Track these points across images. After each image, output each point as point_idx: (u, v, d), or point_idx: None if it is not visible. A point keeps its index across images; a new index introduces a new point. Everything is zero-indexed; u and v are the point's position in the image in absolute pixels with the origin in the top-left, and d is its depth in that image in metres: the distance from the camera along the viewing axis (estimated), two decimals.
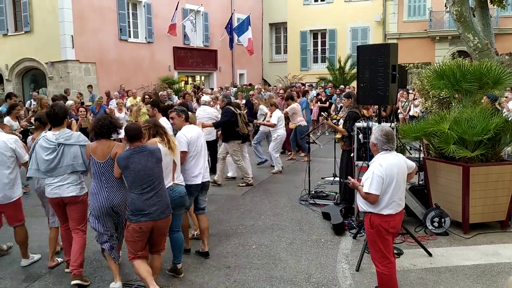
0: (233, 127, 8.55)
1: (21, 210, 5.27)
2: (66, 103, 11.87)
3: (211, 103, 10.96)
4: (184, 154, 5.13)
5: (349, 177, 4.57)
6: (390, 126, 4.78)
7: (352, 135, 6.78)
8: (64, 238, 5.08)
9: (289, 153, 11.97)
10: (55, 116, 4.69)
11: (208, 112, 9.55)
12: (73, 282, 4.60)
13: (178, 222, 4.90)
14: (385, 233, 4.02)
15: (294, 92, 13.07)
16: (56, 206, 4.81)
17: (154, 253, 4.50)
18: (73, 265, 4.63)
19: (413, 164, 4.31)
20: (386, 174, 3.93)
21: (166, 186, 4.53)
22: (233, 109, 8.57)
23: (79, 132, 4.88)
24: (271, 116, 10.22)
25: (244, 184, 8.98)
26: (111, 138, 4.63)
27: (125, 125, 4.51)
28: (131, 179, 4.20)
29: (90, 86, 17.62)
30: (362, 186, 4.06)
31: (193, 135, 5.30)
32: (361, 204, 4.18)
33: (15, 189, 5.10)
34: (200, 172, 5.35)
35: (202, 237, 5.52)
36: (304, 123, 11.25)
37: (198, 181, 5.32)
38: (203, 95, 16.96)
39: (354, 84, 19.64)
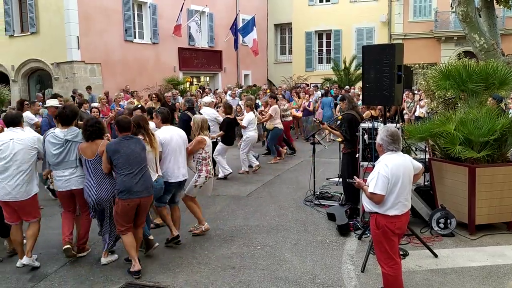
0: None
1: (37, 207, 5.34)
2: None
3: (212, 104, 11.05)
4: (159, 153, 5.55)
5: (354, 176, 4.56)
6: (395, 127, 4.77)
7: (349, 139, 6.79)
8: (64, 219, 5.44)
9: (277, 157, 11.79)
10: (66, 116, 5.24)
11: (207, 114, 9.66)
12: (80, 254, 5.47)
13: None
14: (391, 234, 4.01)
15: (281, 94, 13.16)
16: (65, 197, 5.33)
17: (137, 227, 5.13)
18: (80, 242, 5.51)
19: (419, 165, 4.29)
20: (392, 174, 3.92)
21: (153, 179, 5.20)
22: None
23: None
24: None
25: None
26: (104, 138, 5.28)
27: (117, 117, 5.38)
28: (121, 161, 4.85)
29: (89, 88, 17.47)
30: (368, 186, 4.05)
31: (166, 136, 5.68)
32: (366, 204, 4.16)
33: (32, 185, 5.15)
34: (177, 171, 5.74)
35: (175, 225, 5.85)
36: (280, 126, 11.35)
37: (175, 179, 5.74)
38: (206, 96, 17.02)
39: (359, 84, 19.59)
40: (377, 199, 3.95)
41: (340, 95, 9.39)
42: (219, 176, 9.66)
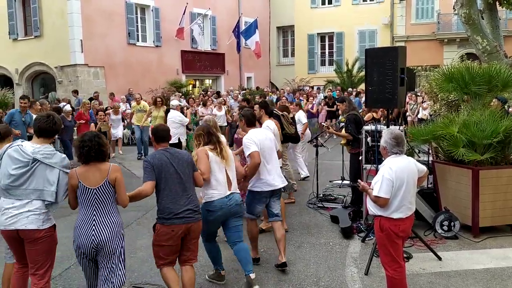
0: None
1: None
2: (64, 108, 11.97)
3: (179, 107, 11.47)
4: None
5: (359, 180, 4.56)
6: (399, 129, 4.77)
7: (357, 138, 6.79)
8: (14, 282, 3.92)
9: None
10: (47, 128, 3.78)
11: (173, 116, 10.38)
12: None
13: (239, 233, 4.71)
14: (395, 237, 3.99)
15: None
16: (11, 240, 3.77)
17: (186, 263, 4.20)
18: None
19: (424, 168, 4.27)
20: (396, 177, 3.91)
21: (225, 195, 4.47)
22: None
23: (64, 155, 3.87)
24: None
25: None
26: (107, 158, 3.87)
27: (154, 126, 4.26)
28: (163, 180, 4.02)
29: (75, 92, 17.30)
30: (372, 189, 4.05)
31: (261, 138, 5.10)
32: (370, 207, 4.16)
33: None
34: (268, 178, 5.10)
35: (278, 246, 5.13)
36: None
37: (267, 188, 5.11)
38: (209, 98, 17.06)
39: (362, 86, 19.60)
40: (381, 202, 3.93)
41: (338, 97, 9.48)
42: (302, 176, 9.55)
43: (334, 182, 9.23)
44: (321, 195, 8.06)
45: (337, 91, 17.83)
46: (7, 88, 16.86)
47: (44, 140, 3.77)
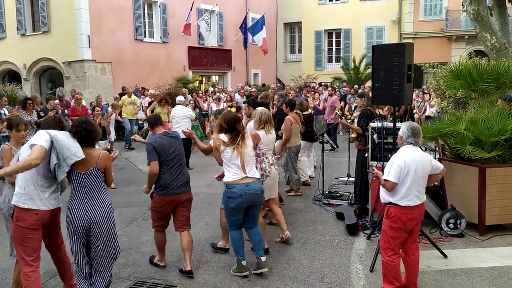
0: None
1: None
2: (49, 102, 12.09)
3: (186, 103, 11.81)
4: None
5: (373, 167, 4.66)
6: None
7: (367, 134, 6.77)
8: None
9: None
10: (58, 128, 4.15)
11: (181, 111, 10.52)
12: None
13: (254, 221, 4.96)
14: (400, 224, 4.17)
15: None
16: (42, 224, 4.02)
17: (182, 229, 4.97)
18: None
19: (440, 166, 4.42)
20: (405, 164, 4.12)
21: (244, 182, 4.67)
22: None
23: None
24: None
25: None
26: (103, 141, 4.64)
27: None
28: (163, 159, 4.71)
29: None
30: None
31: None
32: (382, 195, 4.35)
33: None
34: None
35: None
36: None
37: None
38: (215, 94, 17.09)
39: (369, 83, 19.53)
40: (389, 186, 4.16)
41: (358, 92, 9.50)
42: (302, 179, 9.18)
43: (340, 179, 9.22)
44: (327, 192, 8.05)
45: (344, 88, 17.74)
46: (15, 84, 17.03)
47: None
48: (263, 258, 4.89)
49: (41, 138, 3.74)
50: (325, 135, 8.63)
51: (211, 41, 24.03)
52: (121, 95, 15.52)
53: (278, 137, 7.32)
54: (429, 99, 14.57)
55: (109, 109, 12.97)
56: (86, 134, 3.92)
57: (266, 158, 5.70)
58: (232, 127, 4.72)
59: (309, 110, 9.51)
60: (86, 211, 3.93)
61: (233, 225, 4.87)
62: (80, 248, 4.05)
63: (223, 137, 4.75)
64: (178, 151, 4.86)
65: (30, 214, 3.81)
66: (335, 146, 12.96)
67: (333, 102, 14.58)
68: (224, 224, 5.36)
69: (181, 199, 4.90)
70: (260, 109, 5.82)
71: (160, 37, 21.35)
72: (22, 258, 3.89)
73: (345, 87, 18.07)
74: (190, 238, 4.98)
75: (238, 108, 10.79)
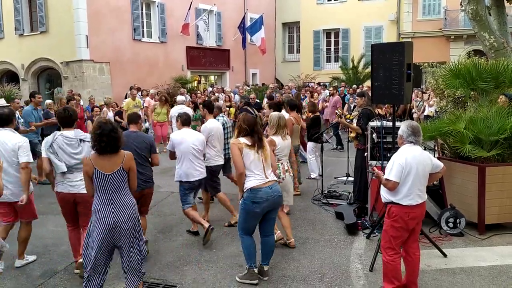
0: None
1: (32, 206, 5.20)
2: (46, 102, 11.94)
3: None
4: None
5: (374, 167, 4.63)
6: None
7: (366, 134, 6.76)
8: (72, 238, 5.06)
9: None
10: (70, 118, 4.95)
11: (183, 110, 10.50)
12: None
13: (272, 226, 4.88)
14: (401, 224, 4.16)
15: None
16: (67, 203, 4.85)
17: (143, 214, 5.46)
18: None
19: (440, 164, 4.41)
20: (407, 163, 4.11)
21: (268, 186, 4.55)
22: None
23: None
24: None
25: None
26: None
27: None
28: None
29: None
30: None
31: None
32: (383, 194, 4.34)
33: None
34: (193, 171, 5.95)
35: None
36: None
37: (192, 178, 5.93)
38: (214, 95, 17.06)
39: (368, 83, 19.52)
40: (391, 185, 4.15)
41: (358, 91, 9.52)
42: (311, 176, 9.30)
43: (339, 178, 9.21)
44: (326, 192, 8.04)
45: (342, 88, 17.74)
46: (13, 84, 17.00)
47: (71, 128, 4.90)
48: (266, 268, 4.81)
49: None
50: (324, 134, 8.61)
51: (210, 41, 24.02)
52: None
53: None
54: (428, 98, 14.58)
55: (104, 109, 12.96)
56: (115, 144, 3.96)
57: (281, 164, 5.67)
58: (252, 129, 4.60)
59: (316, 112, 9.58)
60: (113, 212, 3.91)
61: (247, 231, 4.69)
62: (102, 250, 3.95)
63: (244, 140, 4.59)
64: (139, 149, 5.24)
65: None
66: (339, 146, 12.92)
67: (336, 102, 14.54)
68: (188, 213, 5.87)
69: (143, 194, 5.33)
70: (276, 113, 5.77)
71: (159, 37, 21.32)
72: None
73: (342, 86, 18.06)
74: (144, 223, 5.48)
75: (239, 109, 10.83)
